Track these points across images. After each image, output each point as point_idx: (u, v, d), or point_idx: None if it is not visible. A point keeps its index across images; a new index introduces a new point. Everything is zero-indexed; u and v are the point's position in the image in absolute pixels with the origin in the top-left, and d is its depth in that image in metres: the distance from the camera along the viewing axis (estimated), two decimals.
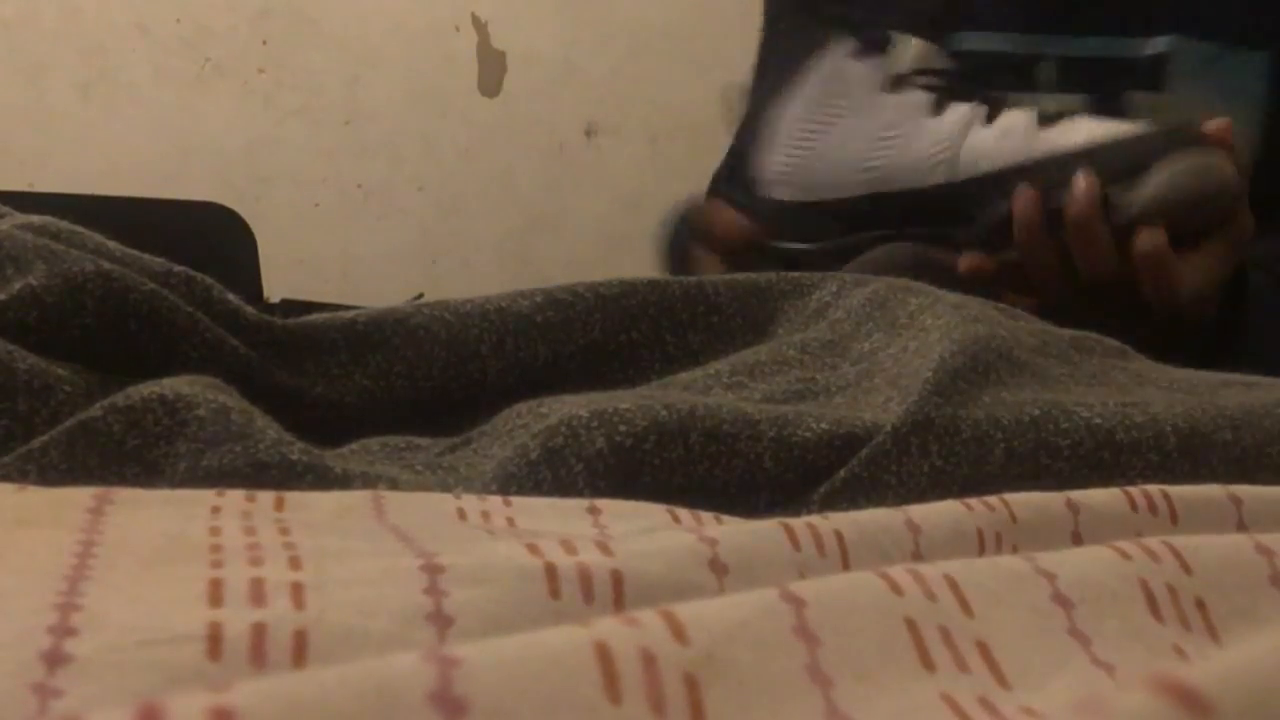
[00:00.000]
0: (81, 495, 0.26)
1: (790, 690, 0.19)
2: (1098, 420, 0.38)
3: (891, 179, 0.81)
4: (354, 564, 0.22)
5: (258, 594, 0.21)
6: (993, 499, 0.27)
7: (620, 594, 0.22)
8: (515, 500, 0.30)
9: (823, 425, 0.37)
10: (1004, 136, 0.77)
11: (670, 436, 0.35)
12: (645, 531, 0.28)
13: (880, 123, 0.82)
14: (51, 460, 0.34)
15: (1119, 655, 0.22)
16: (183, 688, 0.15)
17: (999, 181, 0.75)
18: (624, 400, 0.37)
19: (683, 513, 0.30)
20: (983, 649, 0.21)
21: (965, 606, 0.21)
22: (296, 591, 0.21)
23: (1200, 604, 0.23)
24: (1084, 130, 0.75)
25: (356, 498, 0.29)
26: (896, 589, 0.21)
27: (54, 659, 0.19)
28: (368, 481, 0.33)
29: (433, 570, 0.22)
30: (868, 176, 0.81)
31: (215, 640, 0.20)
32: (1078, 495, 0.28)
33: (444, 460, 0.38)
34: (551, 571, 0.22)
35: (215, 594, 0.21)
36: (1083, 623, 0.22)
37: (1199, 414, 0.39)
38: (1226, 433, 0.39)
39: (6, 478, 0.33)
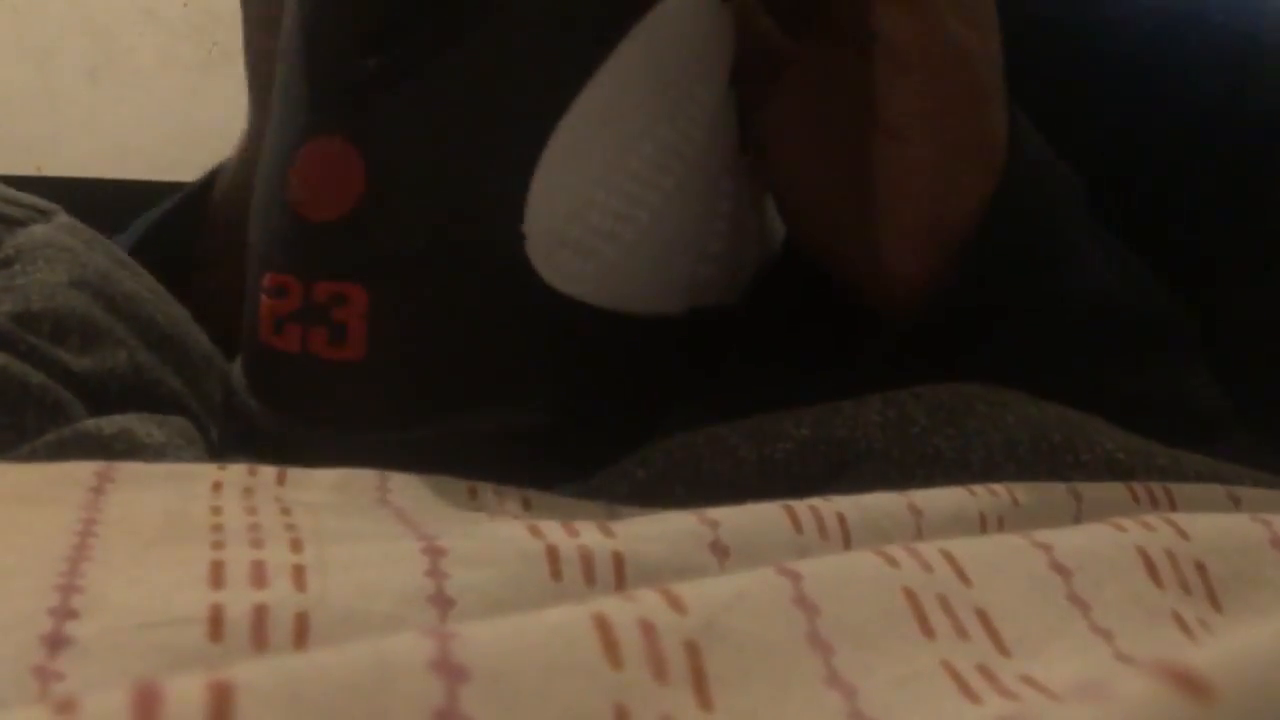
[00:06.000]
0: (83, 472, 0.26)
1: (791, 656, 0.19)
2: (1120, 455, 0.35)
3: None
4: (355, 547, 0.23)
5: (259, 576, 0.21)
6: (996, 485, 0.27)
7: (622, 576, 0.22)
8: None
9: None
10: None
11: None
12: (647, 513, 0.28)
13: None
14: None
15: (1119, 622, 0.22)
16: (185, 670, 0.15)
17: None
18: None
19: None
20: (982, 616, 0.21)
21: (963, 576, 0.21)
22: (298, 574, 0.21)
23: (1200, 567, 0.23)
24: None
25: (360, 473, 0.29)
26: (892, 562, 0.21)
27: (55, 642, 0.19)
28: None
29: (434, 553, 0.22)
30: None
31: (217, 622, 0.20)
32: (1081, 485, 0.28)
33: None
34: (553, 553, 0.22)
35: (216, 576, 0.21)
36: (1081, 589, 0.22)
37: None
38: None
39: None
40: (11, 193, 0.43)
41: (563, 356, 0.39)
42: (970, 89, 0.41)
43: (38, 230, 0.42)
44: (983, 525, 0.26)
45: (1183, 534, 0.23)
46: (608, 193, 0.39)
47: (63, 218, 0.43)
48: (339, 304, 0.36)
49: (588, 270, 0.39)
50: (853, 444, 0.33)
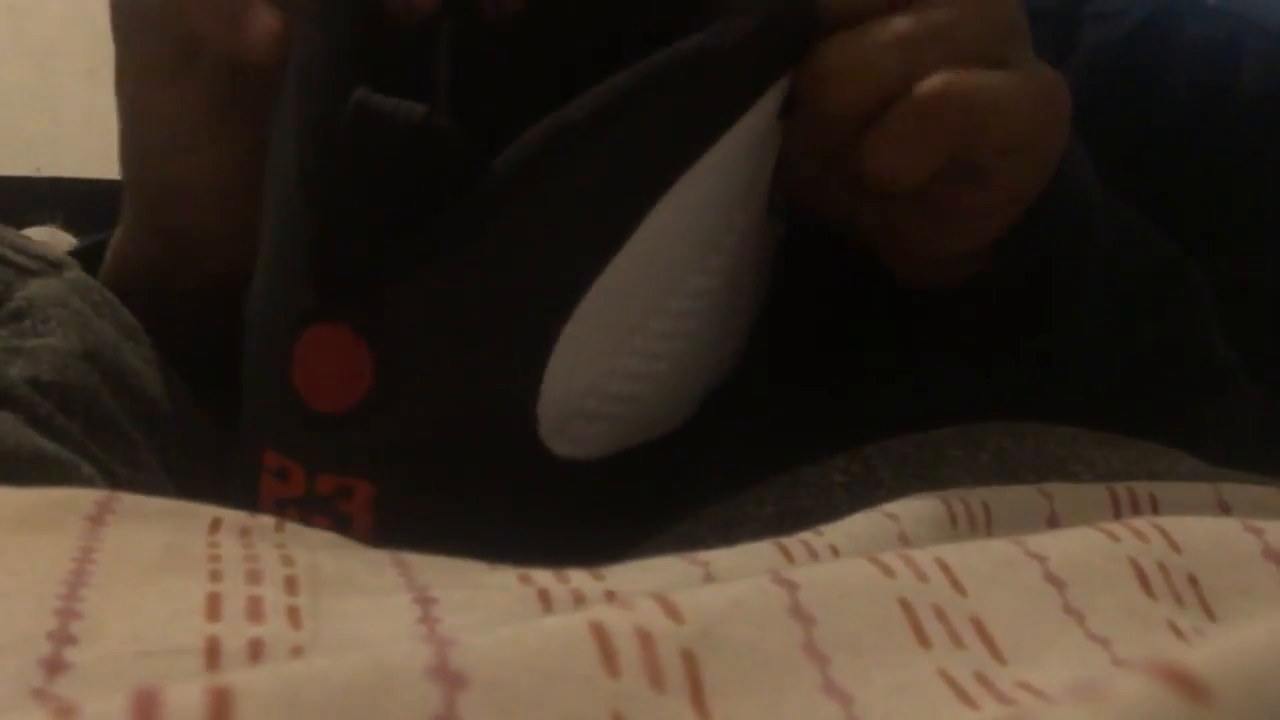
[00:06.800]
0: (85, 500, 0.26)
1: (787, 665, 0.19)
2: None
3: None
4: (349, 600, 0.22)
5: (256, 611, 0.21)
6: (969, 496, 0.27)
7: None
8: None
9: None
10: None
11: None
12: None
13: None
14: None
15: (1114, 630, 0.22)
16: None
17: None
18: None
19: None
20: (978, 625, 0.21)
21: (958, 586, 0.22)
22: (293, 614, 0.21)
23: (1193, 580, 0.23)
24: None
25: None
26: (888, 572, 0.21)
27: (53, 666, 0.19)
28: None
29: (425, 602, 0.22)
30: None
31: (213, 654, 0.20)
32: (1061, 506, 0.28)
33: None
34: (544, 595, 0.23)
35: (213, 608, 0.21)
36: (1076, 600, 0.22)
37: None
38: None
39: None
40: (22, 242, 0.41)
41: (575, 514, 0.37)
42: (1059, 116, 0.39)
43: (52, 285, 0.40)
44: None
45: (1175, 546, 0.24)
46: (628, 357, 0.36)
47: (73, 273, 0.41)
48: (343, 497, 0.34)
49: (601, 431, 0.36)
50: (817, 513, 0.32)
